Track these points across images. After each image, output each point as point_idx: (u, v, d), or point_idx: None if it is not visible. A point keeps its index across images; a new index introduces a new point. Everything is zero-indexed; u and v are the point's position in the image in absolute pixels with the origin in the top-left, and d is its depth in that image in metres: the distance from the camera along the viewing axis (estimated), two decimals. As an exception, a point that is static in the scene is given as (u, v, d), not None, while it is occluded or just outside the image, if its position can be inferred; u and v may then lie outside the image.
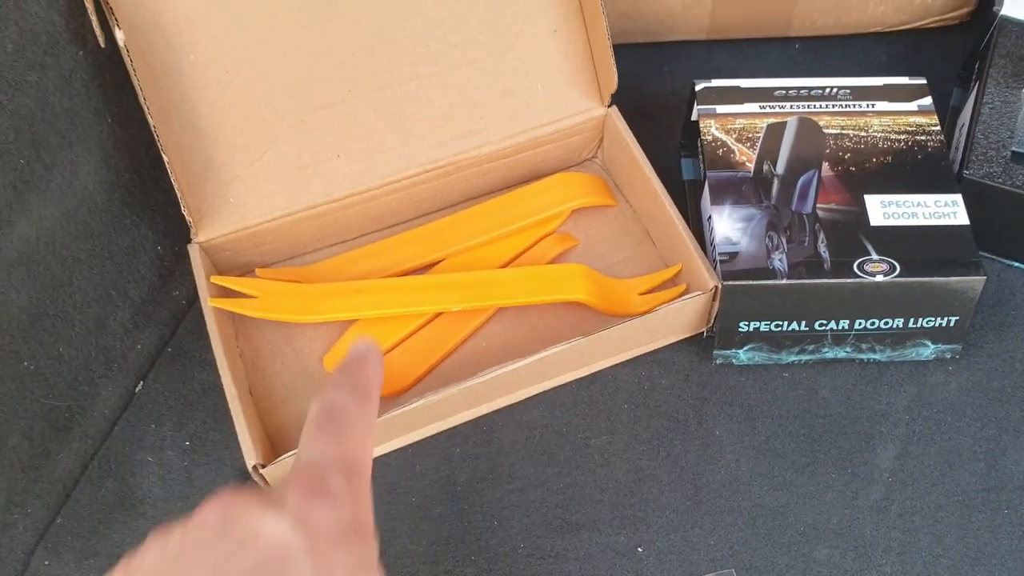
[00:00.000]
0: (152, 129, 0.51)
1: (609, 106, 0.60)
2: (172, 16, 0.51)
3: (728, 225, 0.53)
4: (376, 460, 0.53)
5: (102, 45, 0.47)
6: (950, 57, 0.67)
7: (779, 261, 0.52)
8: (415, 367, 0.55)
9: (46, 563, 0.51)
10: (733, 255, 0.52)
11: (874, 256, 0.52)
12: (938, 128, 0.57)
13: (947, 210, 0.53)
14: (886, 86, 0.58)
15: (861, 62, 0.68)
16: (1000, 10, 0.62)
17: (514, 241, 0.60)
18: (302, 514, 0.31)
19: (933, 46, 0.69)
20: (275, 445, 0.53)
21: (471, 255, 0.59)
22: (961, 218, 0.53)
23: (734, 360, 0.55)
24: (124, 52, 0.49)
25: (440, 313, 0.56)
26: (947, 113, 0.64)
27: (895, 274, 0.51)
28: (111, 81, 0.52)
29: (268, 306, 0.56)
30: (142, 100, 0.50)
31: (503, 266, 0.59)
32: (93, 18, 0.47)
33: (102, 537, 0.51)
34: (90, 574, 0.50)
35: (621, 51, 0.67)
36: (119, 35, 0.48)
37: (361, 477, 0.34)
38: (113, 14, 0.48)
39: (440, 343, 0.56)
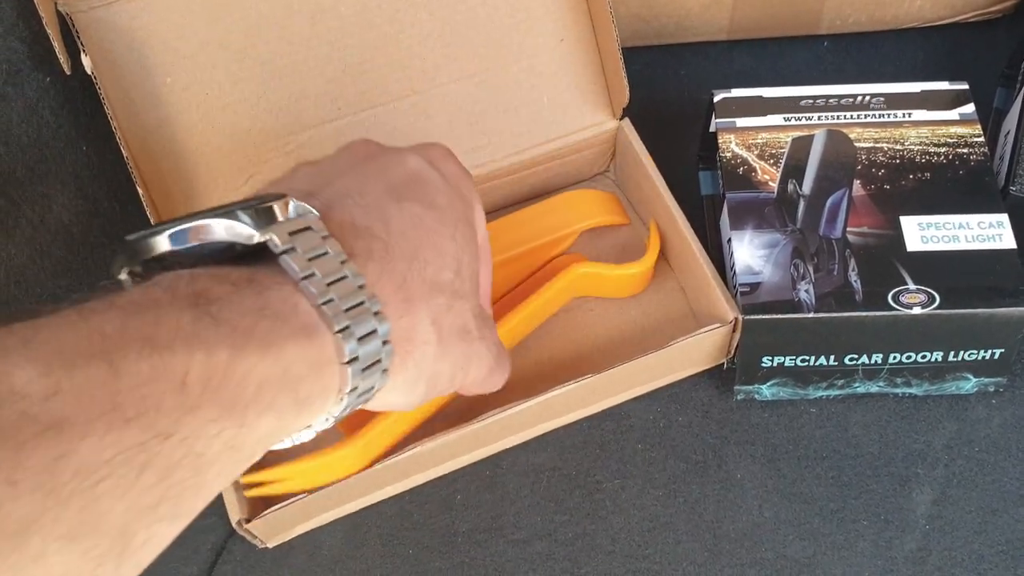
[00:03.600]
0: (127, 159, 0.47)
1: (621, 119, 0.56)
2: (145, 36, 0.47)
3: (749, 252, 0.49)
4: (369, 509, 0.50)
5: (67, 72, 0.44)
6: (993, 54, 0.62)
7: (806, 292, 0.47)
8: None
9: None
10: (755, 286, 0.48)
11: (911, 286, 0.47)
12: (981, 139, 0.52)
13: (992, 232, 0.49)
14: (923, 92, 0.53)
15: (896, 61, 0.63)
16: (1050, 4, 0.56)
17: (519, 265, 0.56)
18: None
19: (974, 42, 0.63)
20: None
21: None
22: (1007, 241, 0.48)
23: (756, 396, 0.51)
24: (93, 79, 0.45)
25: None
26: (989, 116, 0.59)
27: (934, 305, 0.46)
28: (84, 107, 0.48)
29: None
30: (115, 129, 0.47)
31: (508, 291, 0.55)
32: (57, 44, 0.43)
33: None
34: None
35: (634, 54, 0.63)
36: (86, 62, 0.45)
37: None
38: (80, 38, 0.45)
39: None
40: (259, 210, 0.30)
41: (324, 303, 0.29)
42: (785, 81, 0.60)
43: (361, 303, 0.30)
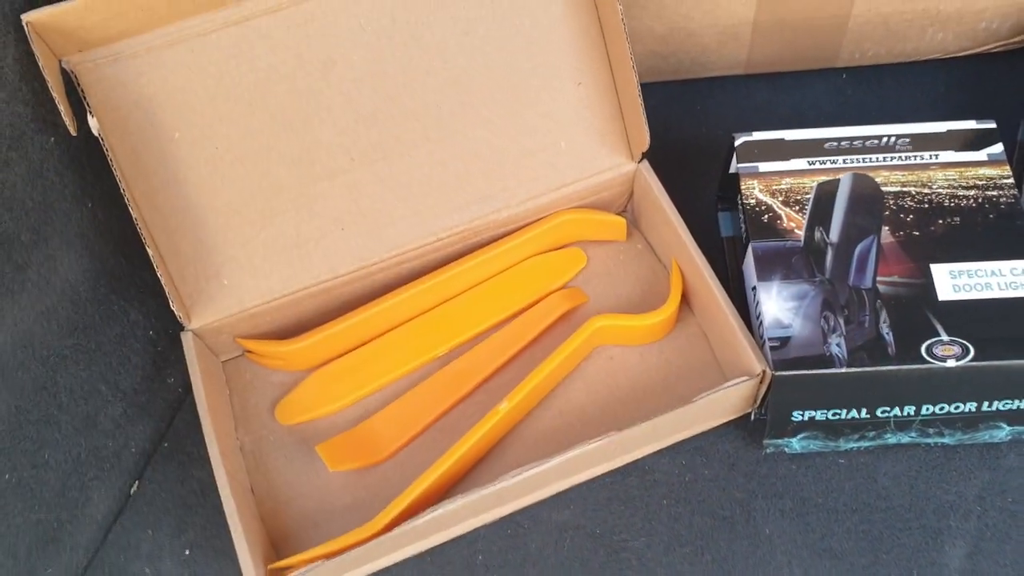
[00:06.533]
0: (135, 218, 0.46)
1: (640, 161, 0.55)
2: (152, 91, 0.46)
3: (778, 305, 0.47)
4: (387, 571, 0.48)
5: (73, 133, 0.42)
6: (1018, 85, 0.61)
7: (837, 346, 0.46)
8: (406, 429, 0.51)
9: None
10: (785, 340, 0.46)
11: (944, 338, 0.46)
12: (1011, 180, 0.51)
13: (1022, 279, 0.48)
14: (950, 132, 0.52)
15: (917, 93, 0.62)
16: (1076, 37, 0.55)
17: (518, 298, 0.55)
18: None
19: (998, 73, 0.62)
20: (279, 551, 0.49)
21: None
22: (1040, 287, 0.47)
23: (786, 449, 0.50)
24: (100, 139, 0.44)
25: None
26: (1015, 151, 0.58)
27: (968, 358, 0.45)
28: (90, 164, 0.47)
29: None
30: (123, 187, 0.45)
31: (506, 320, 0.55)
32: (62, 107, 0.41)
33: (98, 660, 0.47)
34: None
35: (649, 89, 0.61)
36: (93, 124, 0.43)
37: None
38: (85, 97, 0.43)
39: (432, 404, 0.52)
40: None
41: None
42: (804, 115, 0.59)
43: None
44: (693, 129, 0.62)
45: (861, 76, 0.63)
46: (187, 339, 0.51)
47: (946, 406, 0.47)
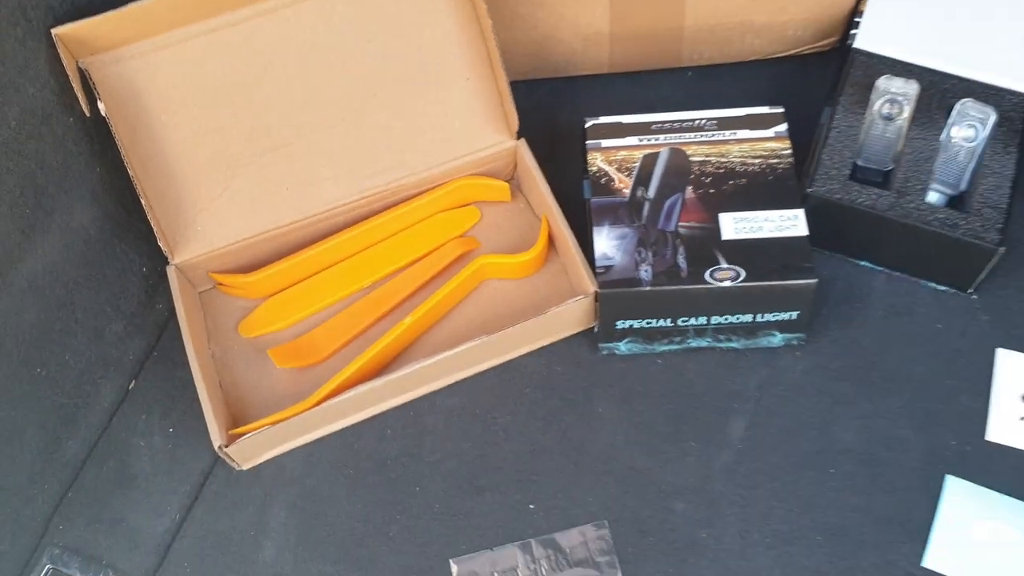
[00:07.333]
0: (132, 178, 0.63)
1: (518, 139, 0.71)
2: (147, 85, 0.63)
3: (606, 243, 0.64)
4: (319, 441, 0.65)
5: (87, 114, 0.59)
6: (823, 80, 0.77)
7: (644, 272, 0.63)
8: (338, 339, 0.68)
9: (60, 527, 0.64)
10: (609, 268, 0.63)
11: (724, 265, 0.63)
12: (789, 151, 0.67)
13: (789, 223, 0.64)
14: (747, 116, 0.69)
15: (745, 87, 0.79)
16: (852, 43, 0.72)
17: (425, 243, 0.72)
18: None
19: (807, 70, 0.79)
20: (240, 425, 0.65)
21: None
22: (801, 230, 0.64)
23: (616, 351, 0.67)
24: (107, 118, 0.61)
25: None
26: (816, 131, 0.75)
27: (740, 279, 0.62)
28: (99, 137, 0.63)
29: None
30: (124, 155, 0.62)
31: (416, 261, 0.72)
32: (80, 94, 0.58)
33: (105, 506, 0.64)
34: (96, 536, 0.63)
35: (535, 85, 0.79)
36: (101, 106, 0.60)
37: None
38: (95, 87, 0.60)
39: (358, 321, 0.69)
40: None
41: None
42: (658, 106, 0.75)
43: None
44: (569, 116, 0.78)
45: (702, 73, 0.80)
46: (171, 272, 0.67)
47: (729, 317, 0.64)
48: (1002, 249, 0.63)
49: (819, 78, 0.78)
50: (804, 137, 0.71)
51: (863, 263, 0.70)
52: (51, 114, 0.58)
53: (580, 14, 0.73)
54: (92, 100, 0.60)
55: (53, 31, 0.57)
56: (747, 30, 0.75)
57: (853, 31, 0.72)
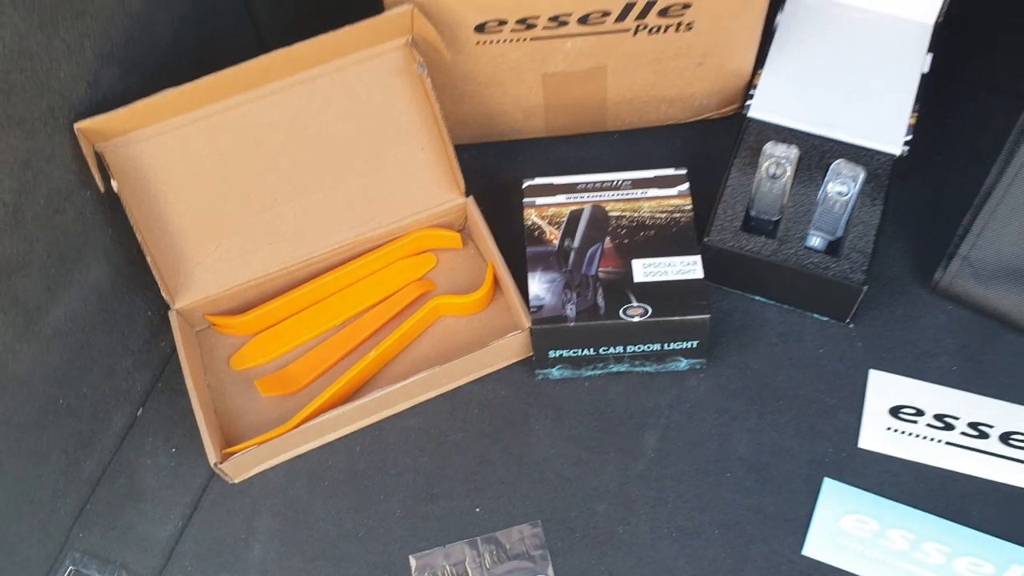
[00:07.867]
0: (139, 240, 0.75)
1: (467, 196, 0.84)
2: (152, 164, 0.75)
3: (538, 286, 0.77)
4: (299, 457, 0.77)
5: (102, 190, 0.71)
6: (727, 140, 0.90)
7: (570, 310, 0.75)
8: (313, 370, 0.80)
9: (80, 535, 0.75)
10: (540, 307, 0.76)
11: (634, 303, 0.75)
12: (690, 207, 0.80)
13: (689, 268, 0.77)
14: (656, 177, 0.82)
15: (662, 148, 0.92)
16: (747, 112, 0.85)
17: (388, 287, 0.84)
18: None
19: (713, 133, 0.92)
20: (232, 445, 0.77)
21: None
22: (698, 273, 0.77)
23: (549, 376, 0.79)
24: (118, 193, 0.73)
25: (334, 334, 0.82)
26: (720, 185, 0.87)
27: (648, 315, 0.75)
28: (111, 209, 0.76)
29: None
30: (132, 222, 0.74)
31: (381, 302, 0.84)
32: (96, 174, 0.71)
33: (118, 516, 0.76)
34: (111, 542, 0.75)
35: (484, 148, 0.92)
36: (114, 183, 0.72)
37: None
38: (109, 168, 0.73)
39: (331, 355, 0.81)
40: None
41: None
42: (588, 164, 0.88)
43: None
44: (513, 175, 0.91)
45: (626, 137, 0.93)
46: (172, 316, 0.79)
47: (641, 346, 0.77)
48: (865, 287, 0.76)
49: (724, 139, 0.91)
50: (711, 189, 0.83)
51: (757, 298, 0.83)
52: (72, 191, 0.71)
53: (519, 91, 0.86)
54: (106, 178, 0.73)
55: (76, 125, 0.69)
56: (661, 101, 0.88)
57: (748, 101, 0.85)
